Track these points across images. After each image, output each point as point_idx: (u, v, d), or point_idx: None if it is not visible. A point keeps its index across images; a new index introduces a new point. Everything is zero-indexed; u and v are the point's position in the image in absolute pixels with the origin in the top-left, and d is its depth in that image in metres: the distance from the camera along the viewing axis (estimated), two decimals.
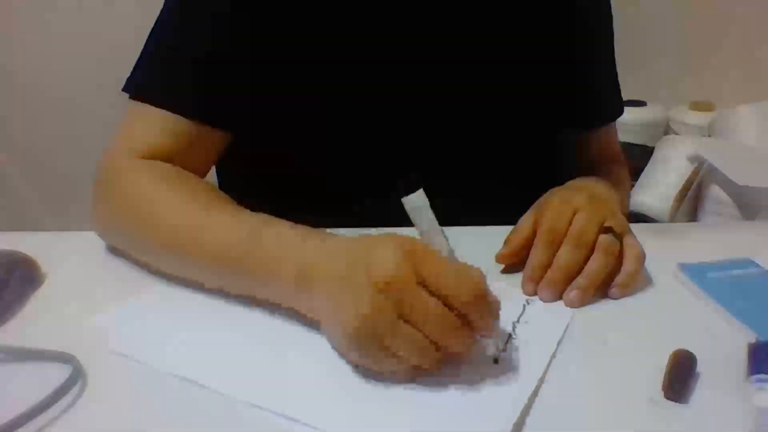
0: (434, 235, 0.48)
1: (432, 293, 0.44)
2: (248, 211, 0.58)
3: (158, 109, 0.64)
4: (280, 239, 0.52)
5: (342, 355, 0.48)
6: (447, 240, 0.49)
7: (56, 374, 0.45)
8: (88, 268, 0.62)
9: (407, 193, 0.48)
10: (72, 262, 0.63)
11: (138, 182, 0.61)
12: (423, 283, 0.44)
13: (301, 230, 0.53)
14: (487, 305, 0.45)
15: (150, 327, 0.53)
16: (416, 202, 0.48)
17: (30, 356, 0.48)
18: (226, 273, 0.54)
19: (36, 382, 0.44)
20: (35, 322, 0.54)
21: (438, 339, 0.44)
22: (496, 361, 0.48)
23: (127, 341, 0.50)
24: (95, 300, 0.56)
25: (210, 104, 0.65)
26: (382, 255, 0.44)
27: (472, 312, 0.44)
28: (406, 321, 0.43)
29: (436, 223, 0.48)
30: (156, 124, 0.64)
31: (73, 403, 0.44)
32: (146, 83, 0.66)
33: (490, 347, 0.48)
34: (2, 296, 0.55)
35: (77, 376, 0.45)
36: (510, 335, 0.51)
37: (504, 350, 0.49)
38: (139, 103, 0.65)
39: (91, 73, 1.75)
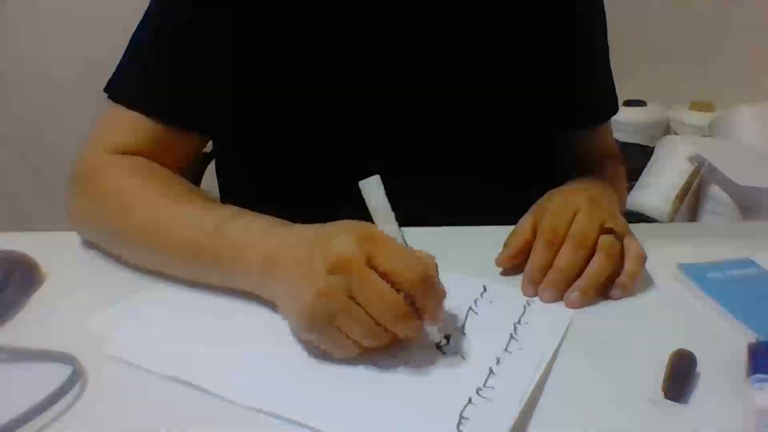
0: (386, 222, 0.50)
1: (381, 276, 0.46)
2: (217, 203, 0.60)
3: (132, 111, 0.65)
4: (246, 230, 0.55)
5: (298, 336, 0.50)
6: (399, 227, 0.51)
7: (56, 374, 0.45)
8: (88, 268, 0.62)
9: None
10: (72, 262, 0.63)
11: (115, 176, 0.63)
12: (373, 266, 0.46)
13: (267, 221, 0.56)
14: (433, 290, 0.47)
15: (147, 330, 0.53)
16: (371, 186, 0.50)
17: (30, 356, 0.48)
18: (195, 264, 0.56)
19: (36, 382, 0.44)
20: (35, 322, 0.54)
21: (384, 320, 0.46)
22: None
23: (125, 346, 0.50)
24: (95, 300, 0.56)
25: (181, 108, 0.66)
26: (337, 239, 0.47)
27: (419, 294, 0.46)
28: (357, 302, 0.45)
29: (389, 209, 0.50)
30: (130, 125, 0.65)
31: (73, 403, 0.44)
32: (122, 85, 0.67)
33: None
34: (2, 296, 0.55)
35: (77, 376, 0.45)
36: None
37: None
38: (116, 104, 0.66)
39: (92, 72, 1.74)
